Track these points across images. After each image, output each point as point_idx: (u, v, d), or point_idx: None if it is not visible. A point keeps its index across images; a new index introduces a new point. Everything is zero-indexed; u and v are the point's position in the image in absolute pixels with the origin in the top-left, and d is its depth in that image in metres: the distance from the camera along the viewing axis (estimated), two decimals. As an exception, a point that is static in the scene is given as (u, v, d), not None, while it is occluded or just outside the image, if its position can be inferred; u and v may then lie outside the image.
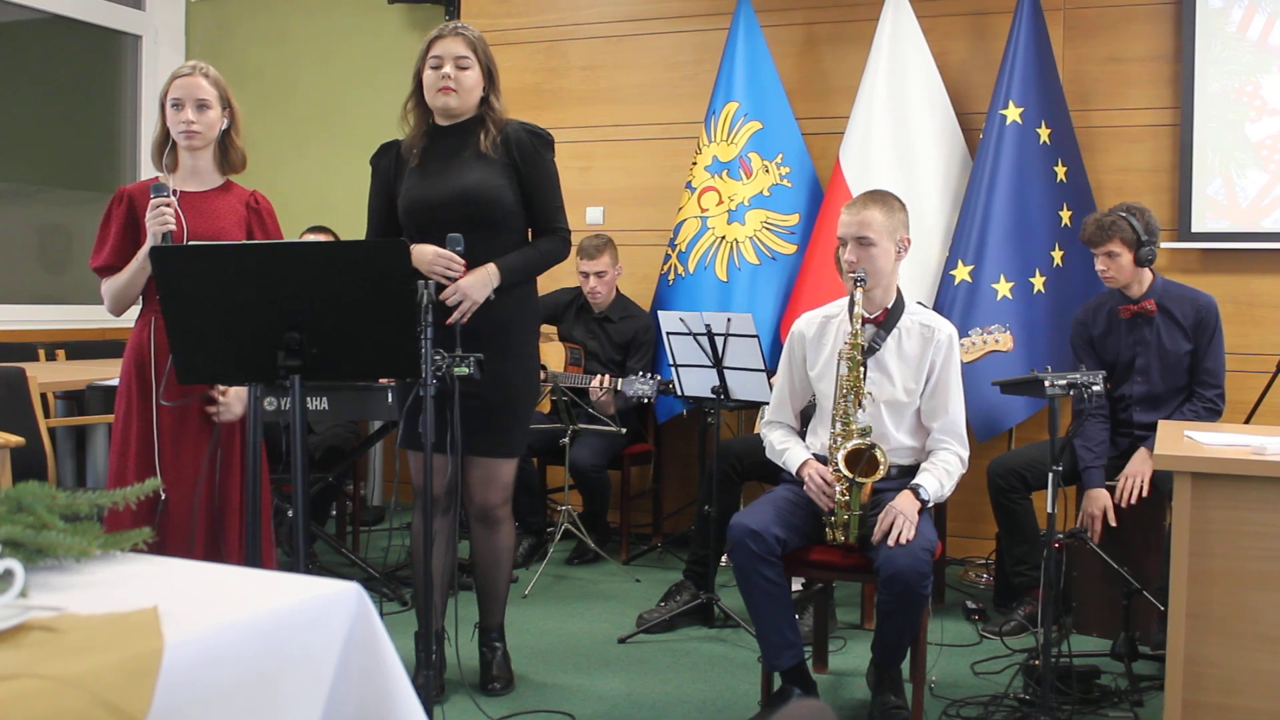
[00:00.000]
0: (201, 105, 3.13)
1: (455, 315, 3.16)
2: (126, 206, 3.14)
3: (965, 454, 3.24)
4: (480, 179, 3.25)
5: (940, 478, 3.15)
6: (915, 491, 3.08)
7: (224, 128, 3.20)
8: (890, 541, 2.96)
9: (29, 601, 1.35)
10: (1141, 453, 3.77)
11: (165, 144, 3.20)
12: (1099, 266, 3.88)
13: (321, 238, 5.19)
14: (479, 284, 3.21)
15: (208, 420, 3.13)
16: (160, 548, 2.82)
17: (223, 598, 1.49)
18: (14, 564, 1.34)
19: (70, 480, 4.47)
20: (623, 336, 5.17)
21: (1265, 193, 4.73)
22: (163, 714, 1.20)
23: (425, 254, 3.17)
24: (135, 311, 3.22)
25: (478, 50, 3.24)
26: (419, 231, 3.24)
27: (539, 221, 3.39)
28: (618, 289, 5.25)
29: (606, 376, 4.88)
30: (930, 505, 3.12)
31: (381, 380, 3.85)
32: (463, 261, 3.17)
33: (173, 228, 3.01)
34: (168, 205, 3.03)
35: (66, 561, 1.56)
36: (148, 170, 3.28)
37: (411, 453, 3.35)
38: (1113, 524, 3.78)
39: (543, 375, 5.02)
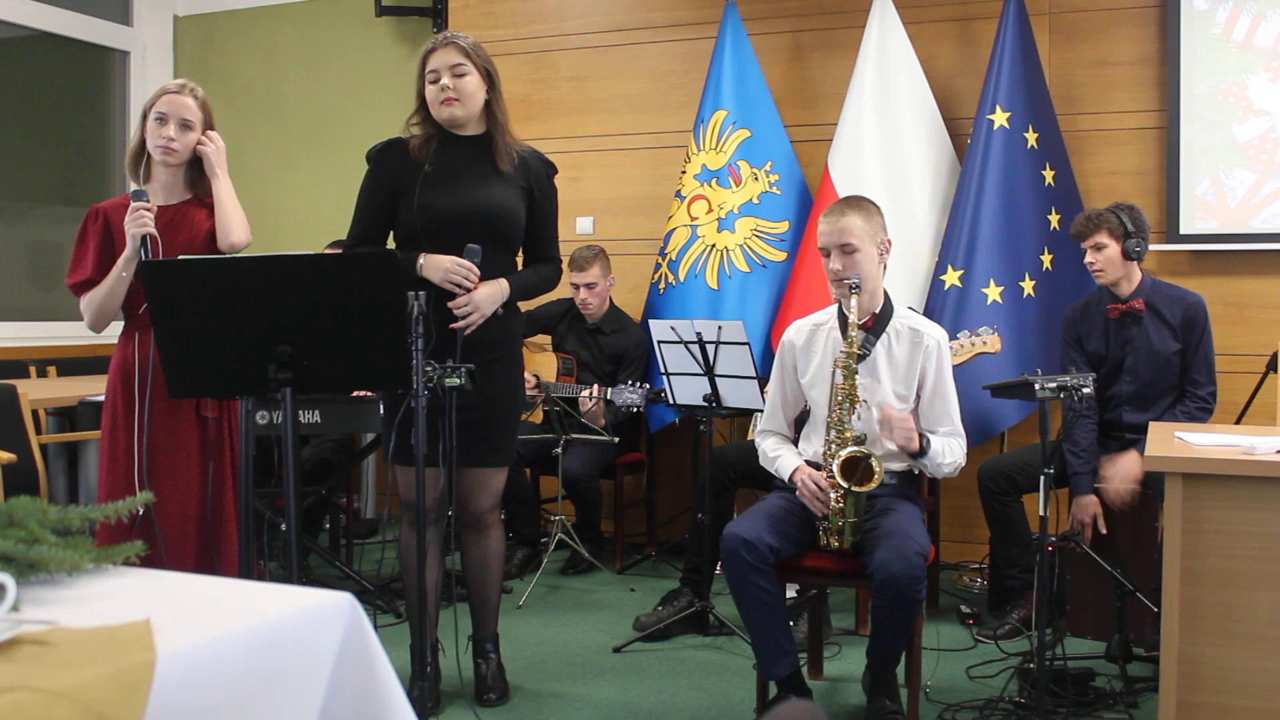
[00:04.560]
0: (185, 125, 3.13)
1: (461, 324, 3.16)
2: (102, 223, 3.14)
3: (965, 449, 3.28)
4: (501, 198, 3.27)
5: (945, 445, 3.20)
6: (921, 435, 3.12)
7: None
8: (883, 433, 3.07)
9: (21, 615, 1.35)
10: (1132, 455, 3.78)
11: (142, 155, 3.20)
12: (1088, 260, 3.91)
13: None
14: (490, 298, 3.22)
15: (200, 432, 3.12)
16: (154, 561, 2.82)
17: (215, 610, 1.49)
18: (6, 578, 1.34)
19: (63, 496, 4.46)
20: (614, 349, 5.16)
21: (1254, 193, 4.75)
22: (156, 726, 1.20)
23: (442, 262, 3.17)
24: (119, 328, 3.21)
25: (471, 55, 3.22)
26: (428, 237, 3.22)
27: (539, 248, 3.42)
28: (611, 300, 5.25)
29: (596, 387, 4.88)
30: (927, 454, 3.14)
31: (369, 393, 3.84)
32: (479, 273, 3.18)
33: (151, 230, 3.02)
34: (148, 209, 3.04)
35: (58, 575, 1.55)
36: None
37: (400, 467, 3.34)
38: (1103, 531, 3.80)
39: (536, 383, 5.03)
